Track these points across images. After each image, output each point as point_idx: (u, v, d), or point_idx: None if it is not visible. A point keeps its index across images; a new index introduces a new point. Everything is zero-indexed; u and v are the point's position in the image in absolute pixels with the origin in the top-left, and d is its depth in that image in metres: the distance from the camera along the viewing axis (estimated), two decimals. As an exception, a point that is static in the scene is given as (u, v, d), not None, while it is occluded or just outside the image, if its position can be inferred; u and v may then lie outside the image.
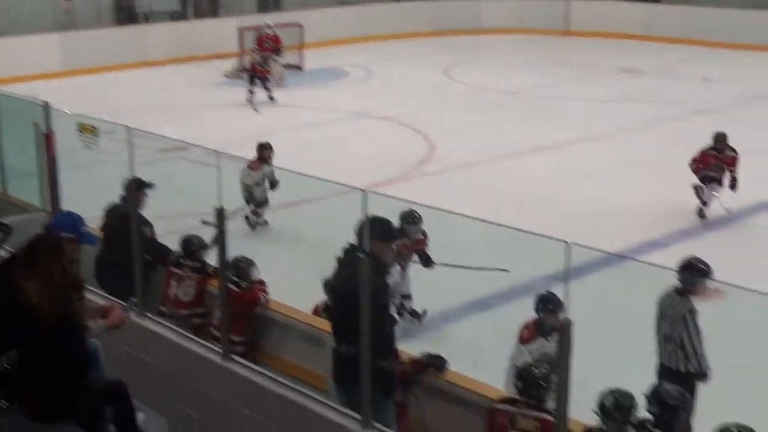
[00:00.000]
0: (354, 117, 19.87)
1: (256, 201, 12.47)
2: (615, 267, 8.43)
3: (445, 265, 9.78)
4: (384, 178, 14.69)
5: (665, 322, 7.29)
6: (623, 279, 8.29)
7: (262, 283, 8.04)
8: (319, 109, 20.51)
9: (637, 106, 20.64)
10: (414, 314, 9.74)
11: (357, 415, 5.59)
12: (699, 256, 7.68)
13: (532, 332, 7.28)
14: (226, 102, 21.30)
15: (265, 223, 12.74)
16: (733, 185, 12.98)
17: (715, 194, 12.97)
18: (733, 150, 13.10)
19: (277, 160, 12.43)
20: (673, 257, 7.74)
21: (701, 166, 13.01)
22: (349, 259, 6.05)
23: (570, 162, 16.17)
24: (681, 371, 7.20)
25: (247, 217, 12.48)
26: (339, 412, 5.80)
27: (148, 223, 8.46)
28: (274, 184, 12.34)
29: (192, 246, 8.41)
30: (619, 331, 8.55)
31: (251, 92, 20.74)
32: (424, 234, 9.77)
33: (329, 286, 6.68)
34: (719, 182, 12.98)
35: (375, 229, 5.81)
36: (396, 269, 8.77)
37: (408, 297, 9.70)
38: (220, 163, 6.37)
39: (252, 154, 12.55)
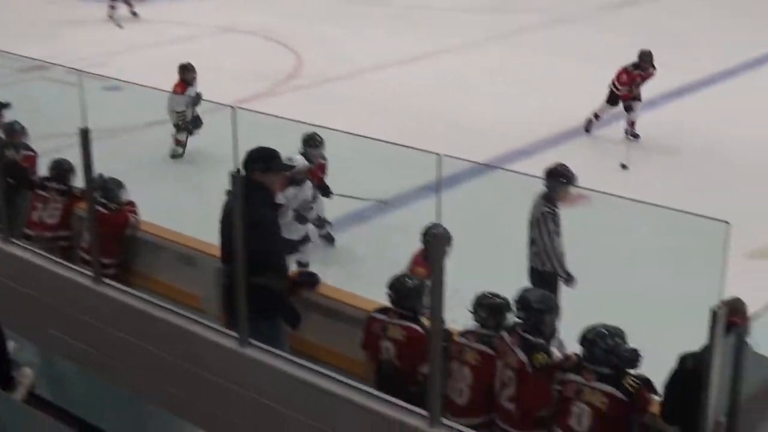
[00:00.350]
0: (219, 31, 19.50)
1: (188, 126, 12.01)
2: (484, 177, 8.58)
3: (341, 195, 9.65)
4: (252, 93, 14.53)
5: (531, 225, 7.55)
6: (493, 188, 8.45)
7: (131, 204, 7.90)
8: (183, 24, 20.01)
9: (500, 16, 20.78)
10: (327, 238, 9.70)
11: (234, 334, 5.60)
12: (564, 162, 7.90)
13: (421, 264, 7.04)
14: (86, 18, 20.58)
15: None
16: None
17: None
18: (654, 66, 13.08)
19: (141, 77, 12.12)
20: (538, 165, 7.91)
21: (629, 86, 12.87)
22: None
23: (436, 73, 16.24)
24: (543, 272, 7.57)
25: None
26: (216, 330, 5.80)
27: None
28: (195, 103, 11.96)
29: (61, 169, 8.18)
30: (491, 239, 8.74)
31: (112, 7, 20.10)
32: (324, 158, 9.63)
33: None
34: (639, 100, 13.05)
35: (257, 160, 5.81)
36: (308, 185, 8.74)
37: (324, 220, 9.39)
38: (82, 81, 6.20)
39: (113, 72, 12.20)
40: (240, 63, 16.73)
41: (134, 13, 20.38)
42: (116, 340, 6.28)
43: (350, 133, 5.97)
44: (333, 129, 6.79)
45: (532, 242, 7.64)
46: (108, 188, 7.75)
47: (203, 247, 7.33)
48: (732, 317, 4.27)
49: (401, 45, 17.94)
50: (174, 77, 12.36)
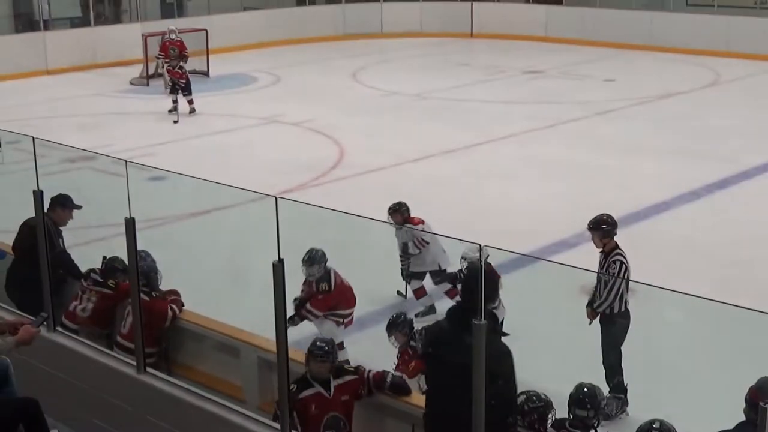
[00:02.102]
0: (263, 123, 19.79)
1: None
2: (526, 268, 8.55)
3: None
4: (295, 184, 14.68)
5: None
6: (534, 279, 8.42)
7: (175, 293, 7.93)
8: (228, 116, 20.37)
9: (541, 107, 20.96)
10: None
11: (276, 425, 5.58)
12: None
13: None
14: (132, 110, 21.03)
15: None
16: None
17: None
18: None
19: (186, 168, 12.31)
20: (579, 257, 7.92)
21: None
22: None
23: (477, 163, 16.35)
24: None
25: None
26: (256, 421, 5.78)
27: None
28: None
29: (112, 266, 8.07)
30: (533, 331, 8.68)
31: (174, 101, 20.11)
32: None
33: None
34: None
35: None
36: None
37: None
38: (128, 171, 6.30)
39: (159, 162, 12.40)
40: (283, 154, 16.95)
41: (193, 110, 20.32)
42: (158, 429, 6.27)
43: (391, 224, 6.06)
44: (376, 219, 6.82)
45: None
46: (148, 275, 7.78)
47: (245, 337, 7.35)
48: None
49: (442, 136, 18.11)
50: (220, 167, 12.46)
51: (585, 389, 5.75)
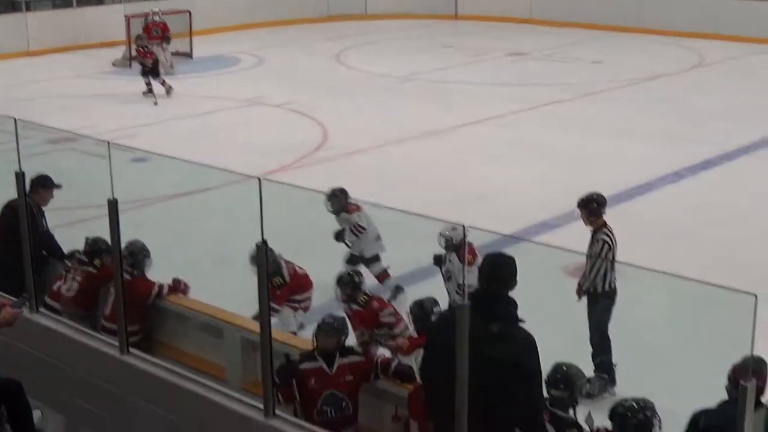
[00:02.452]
0: (246, 104, 19.73)
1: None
2: (509, 248, 8.59)
3: None
4: (278, 165, 14.65)
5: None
6: (518, 260, 8.45)
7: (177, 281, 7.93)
8: (211, 97, 20.28)
9: (526, 89, 20.95)
10: None
11: (259, 404, 5.58)
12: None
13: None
14: (115, 91, 20.92)
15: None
16: None
17: None
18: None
19: (169, 149, 12.26)
20: (563, 238, 7.93)
21: None
22: None
23: (460, 145, 16.34)
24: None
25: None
26: (239, 401, 5.78)
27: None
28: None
29: (96, 247, 7.99)
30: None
31: (148, 84, 19.98)
32: None
33: None
34: None
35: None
36: None
37: None
38: (110, 153, 6.27)
39: (141, 143, 12.35)
40: (266, 135, 16.90)
41: (170, 89, 20.24)
42: (140, 409, 6.27)
43: (375, 204, 6.07)
44: (358, 200, 6.83)
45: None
46: (135, 256, 7.77)
47: (228, 317, 7.35)
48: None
49: (426, 117, 18.09)
50: (203, 149, 12.43)
51: (560, 369, 5.73)
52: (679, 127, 17.07)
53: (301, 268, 9.01)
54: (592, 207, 8.27)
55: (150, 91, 19.90)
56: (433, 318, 6.91)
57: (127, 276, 7.50)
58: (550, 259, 8.24)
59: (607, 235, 8.18)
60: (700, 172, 14.57)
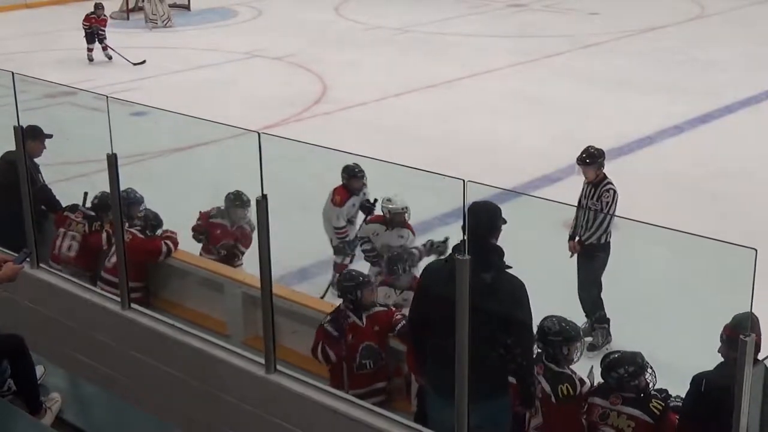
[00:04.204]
0: (245, 57, 19.63)
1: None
2: (509, 203, 8.61)
3: None
4: (278, 119, 14.60)
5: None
6: (517, 215, 8.46)
7: (171, 232, 7.86)
8: (209, 50, 20.18)
9: (525, 41, 20.83)
10: None
11: (260, 359, 5.60)
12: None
13: (342, 195, 8.97)
14: (112, 44, 20.72)
15: None
16: None
17: None
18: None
19: (168, 103, 12.21)
20: (562, 192, 7.92)
21: None
22: None
23: (459, 98, 16.28)
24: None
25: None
26: (241, 356, 5.81)
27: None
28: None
29: (103, 203, 7.82)
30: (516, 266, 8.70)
31: (90, 50, 19.37)
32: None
33: None
34: None
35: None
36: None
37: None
38: (109, 107, 6.24)
39: (141, 97, 12.27)
40: (266, 89, 16.83)
41: (109, 57, 19.36)
42: (142, 364, 6.30)
43: (375, 159, 6.00)
44: (358, 155, 6.80)
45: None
46: (148, 220, 7.75)
47: (230, 272, 7.36)
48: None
49: (425, 70, 18.00)
50: (202, 103, 12.37)
51: (555, 322, 5.71)
52: (679, 80, 16.99)
53: None
54: (592, 160, 8.25)
55: (90, 53, 19.33)
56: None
57: (140, 235, 7.54)
58: (551, 213, 8.22)
59: (612, 185, 8.17)
60: (700, 125, 14.53)
